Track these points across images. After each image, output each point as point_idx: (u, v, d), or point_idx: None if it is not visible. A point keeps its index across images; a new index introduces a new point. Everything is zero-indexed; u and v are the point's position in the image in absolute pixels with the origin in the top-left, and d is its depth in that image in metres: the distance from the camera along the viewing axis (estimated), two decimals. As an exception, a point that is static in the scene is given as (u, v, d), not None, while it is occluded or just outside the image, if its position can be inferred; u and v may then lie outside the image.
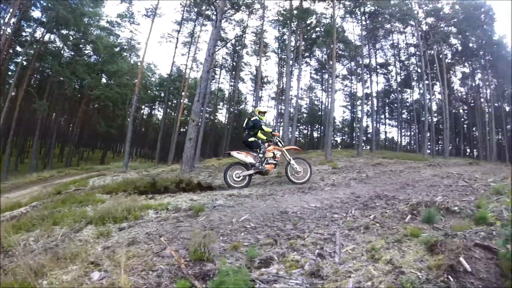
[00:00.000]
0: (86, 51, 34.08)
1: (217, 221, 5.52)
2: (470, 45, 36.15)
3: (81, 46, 32.71)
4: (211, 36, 15.48)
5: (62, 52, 31.51)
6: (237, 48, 37.41)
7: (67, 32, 29.87)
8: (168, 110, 43.07)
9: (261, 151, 8.57)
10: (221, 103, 44.55)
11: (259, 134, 8.91)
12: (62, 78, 30.07)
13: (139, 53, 37.19)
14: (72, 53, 32.45)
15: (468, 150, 45.72)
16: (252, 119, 8.84)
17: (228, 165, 8.93)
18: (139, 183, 8.64)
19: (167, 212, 6.27)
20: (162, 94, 37.92)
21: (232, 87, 39.42)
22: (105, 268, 3.42)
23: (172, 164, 21.47)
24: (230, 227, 5.22)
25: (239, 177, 8.48)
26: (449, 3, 35.28)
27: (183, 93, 31.20)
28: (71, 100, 36.90)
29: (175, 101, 40.20)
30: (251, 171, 8.44)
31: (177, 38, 31.19)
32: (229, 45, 36.77)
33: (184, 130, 32.08)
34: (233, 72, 38.36)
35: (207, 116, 38.62)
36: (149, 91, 44.26)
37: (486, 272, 3.31)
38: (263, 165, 8.53)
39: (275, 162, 8.74)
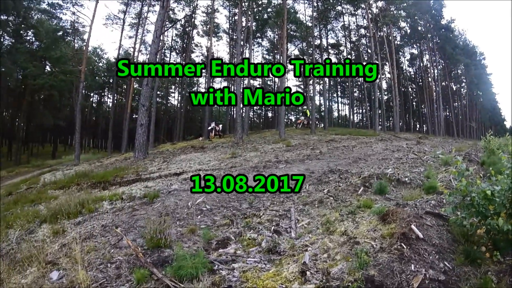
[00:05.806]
0: (27, 37, 30.80)
1: (172, 206, 5.66)
2: (419, 28, 37.63)
3: (21, 32, 29.54)
4: (158, 17, 15.01)
5: (1, 39, 28.44)
6: (187, 29, 36.13)
7: (5, 17, 27.17)
8: (118, 96, 40.92)
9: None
10: (173, 87, 43.19)
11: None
12: (3, 69, 27.28)
13: (84, 37, 34.20)
14: (13, 40, 29.25)
15: (418, 125, 48.39)
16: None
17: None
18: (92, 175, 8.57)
19: (122, 201, 6.31)
20: (112, 80, 35.58)
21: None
22: (64, 267, 3.44)
23: (125, 153, 21.03)
24: (186, 211, 5.37)
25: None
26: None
27: (132, 78, 29.76)
28: (15, 92, 33.40)
29: (125, 87, 38.21)
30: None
31: (124, 20, 29.71)
32: (178, 26, 35.47)
33: (136, 116, 31.02)
34: (184, 54, 37.11)
35: (159, 100, 37.50)
36: (97, 78, 41.67)
37: (439, 238, 3.69)
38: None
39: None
